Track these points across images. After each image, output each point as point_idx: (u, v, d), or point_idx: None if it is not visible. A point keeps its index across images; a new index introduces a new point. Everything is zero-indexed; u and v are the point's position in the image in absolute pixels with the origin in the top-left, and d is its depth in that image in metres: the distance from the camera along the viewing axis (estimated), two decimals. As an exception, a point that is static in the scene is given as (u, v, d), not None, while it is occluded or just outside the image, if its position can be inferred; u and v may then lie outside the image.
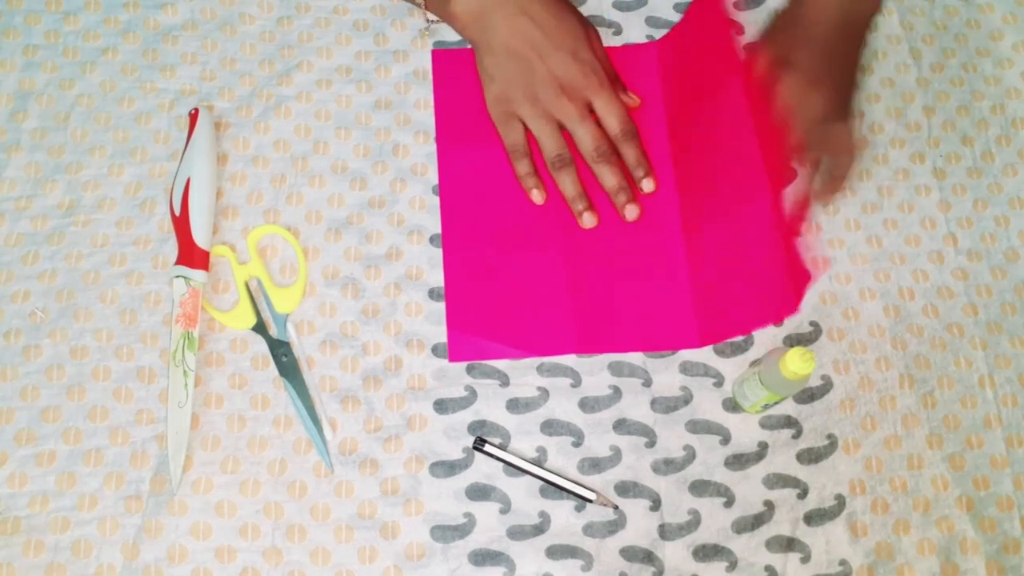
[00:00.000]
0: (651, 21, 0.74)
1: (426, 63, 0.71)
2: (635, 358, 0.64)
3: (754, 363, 0.62)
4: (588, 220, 0.66)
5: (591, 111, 0.67)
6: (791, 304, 0.58)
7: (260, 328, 0.63)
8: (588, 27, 0.68)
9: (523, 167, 0.66)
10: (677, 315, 0.65)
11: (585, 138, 0.66)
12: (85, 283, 0.64)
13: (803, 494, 0.62)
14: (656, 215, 0.68)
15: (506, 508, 0.60)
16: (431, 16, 0.69)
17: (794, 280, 0.57)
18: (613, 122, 0.67)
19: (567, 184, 0.66)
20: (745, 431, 0.63)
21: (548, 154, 0.66)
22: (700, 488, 0.62)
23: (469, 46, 0.71)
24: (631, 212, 0.66)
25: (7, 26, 0.70)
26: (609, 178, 0.66)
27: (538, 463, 0.61)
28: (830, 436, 0.63)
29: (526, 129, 0.67)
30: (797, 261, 0.57)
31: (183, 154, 0.66)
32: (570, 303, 0.65)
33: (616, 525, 0.61)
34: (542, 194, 0.66)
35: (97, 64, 0.70)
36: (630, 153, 0.67)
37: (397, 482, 0.61)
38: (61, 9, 0.71)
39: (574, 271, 0.66)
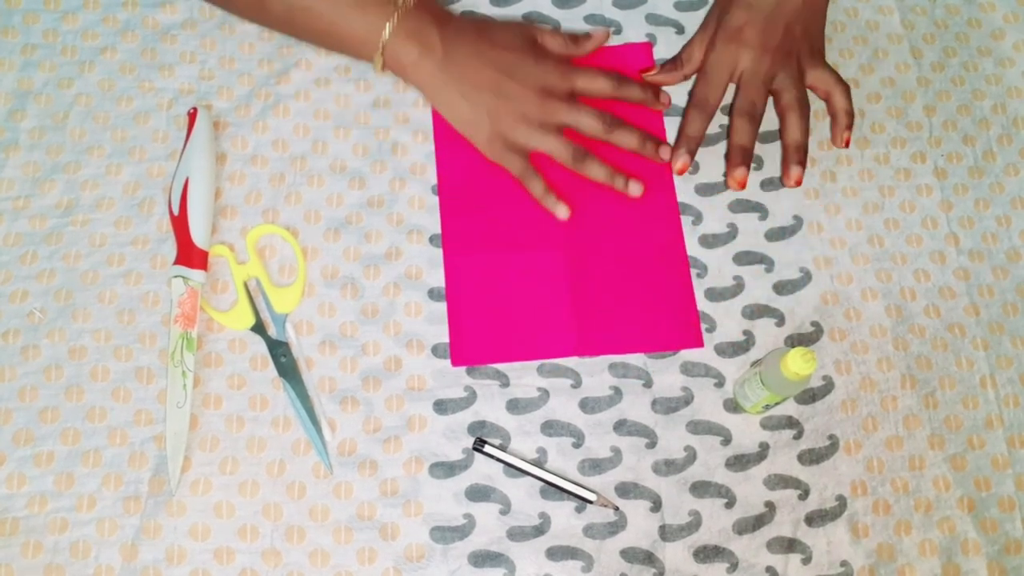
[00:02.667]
0: (651, 19, 0.74)
1: (426, 62, 0.71)
2: (636, 359, 0.64)
3: (755, 363, 0.62)
4: (634, 188, 0.66)
5: (576, 97, 0.67)
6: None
7: (259, 328, 0.63)
8: (529, 27, 0.69)
9: (538, 187, 0.66)
10: (679, 315, 0.65)
11: (587, 120, 0.66)
12: (83, 283, 0.64)
13: (804, 495, 0.62)
14: (657, 214, 0.67)
15: (506, 509, 0.60)
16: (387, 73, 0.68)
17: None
18: (600, 87, 0.68)
19: (597, 170, 0.66)
20: (746, 432, 0.63)
21: (565, 157, 0.66)
22: (701, 489, 0.61)
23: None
24: (635, 188, 0.66)
25: (5, 25, 0.70)
26: (629, 139, 0.67)
27: (538, 464, 0.61)
28: (831, 437, 0.63)
29: (526, 154, 0.67)
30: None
31: (182, 153, 0.66)
32: (571, 305, 0.65)
33: (616, 526, 0.60)
34: (565, 208, 0.66)
35: (96, 63, 0.69)
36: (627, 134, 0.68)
37: (396, 483, 0.60)
38: (60, 8, 0.71)
39: (575, 272, 0.66)
